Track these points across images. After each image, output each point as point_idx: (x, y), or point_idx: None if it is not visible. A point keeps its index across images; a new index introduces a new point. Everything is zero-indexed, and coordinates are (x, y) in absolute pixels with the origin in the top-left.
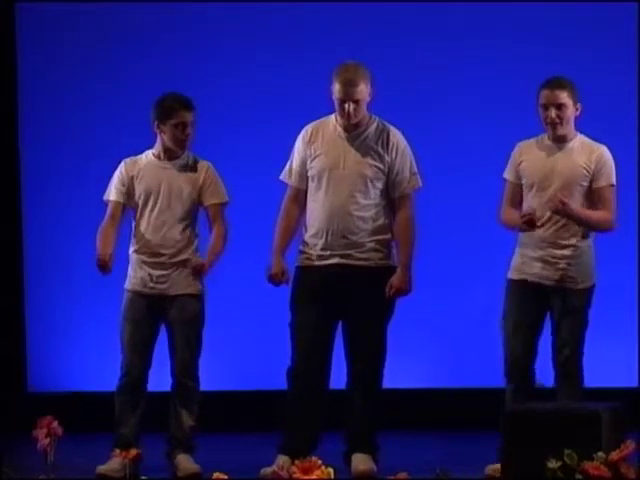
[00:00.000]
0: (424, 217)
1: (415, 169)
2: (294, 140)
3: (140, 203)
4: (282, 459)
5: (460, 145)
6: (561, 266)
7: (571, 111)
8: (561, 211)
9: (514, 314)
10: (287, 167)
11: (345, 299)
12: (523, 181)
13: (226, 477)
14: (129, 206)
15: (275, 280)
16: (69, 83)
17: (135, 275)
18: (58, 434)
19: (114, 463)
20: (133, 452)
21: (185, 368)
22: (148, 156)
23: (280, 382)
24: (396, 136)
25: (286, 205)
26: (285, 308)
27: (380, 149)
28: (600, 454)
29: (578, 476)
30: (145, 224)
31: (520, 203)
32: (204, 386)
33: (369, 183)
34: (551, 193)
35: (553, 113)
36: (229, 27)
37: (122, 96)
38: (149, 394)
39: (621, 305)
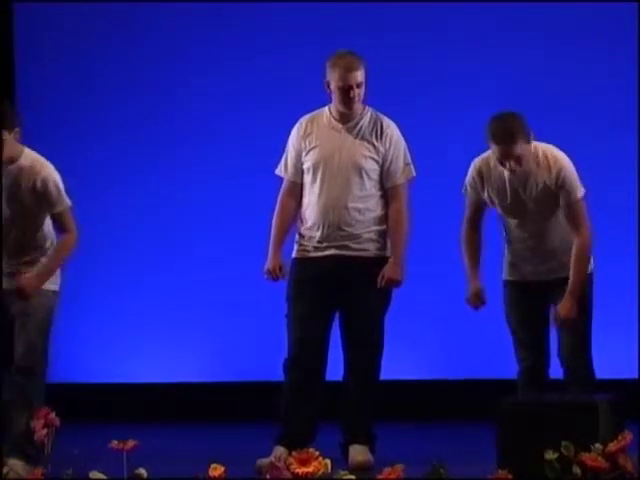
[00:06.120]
0: (420, 207)
1: (409, 159)
2: (288, 134)
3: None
4: (279, 450)
5: (456, 134)
6: (553, 262)
7: (527, 149)
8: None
9: (516, 317)
10: (282, 161)
11: (342, 290)
12: (495, 208)
13: (223, 468)
14: None
15: (272, 275)
16: (67, 78)
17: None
18: (56, 425)
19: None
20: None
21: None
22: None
23: (277, 373)
24: (390, 126)
25: (282, 199)
26: (282, 299)
27: (374, 140)
28: (597, 445)
29: (575, 467)
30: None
31: (481, 222)
32: (201, 377)
33: (364, 174)
34: (527, 220)
35: (512, 165)
36: (225, 20)
37: (117, 90)
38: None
39: (621, 296)
